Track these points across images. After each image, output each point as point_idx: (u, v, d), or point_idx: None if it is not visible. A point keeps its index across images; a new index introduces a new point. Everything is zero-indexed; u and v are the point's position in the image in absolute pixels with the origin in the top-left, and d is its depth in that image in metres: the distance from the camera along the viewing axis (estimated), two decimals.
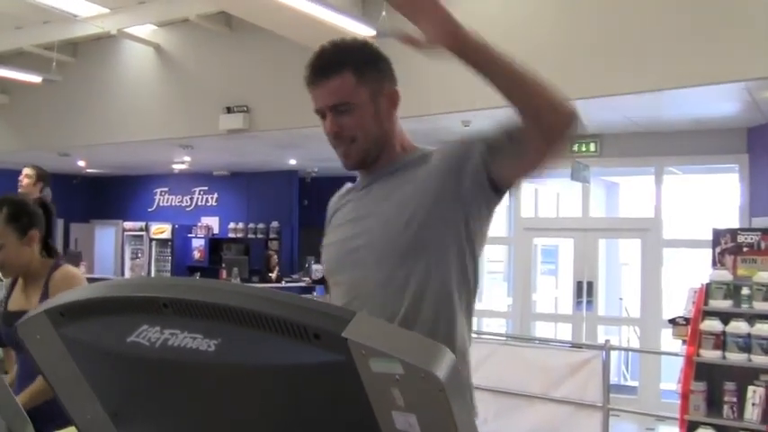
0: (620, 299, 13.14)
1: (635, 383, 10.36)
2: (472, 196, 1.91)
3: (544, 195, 12.38)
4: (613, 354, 8.65)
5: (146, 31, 10.42)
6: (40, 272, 3.08)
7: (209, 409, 1.14)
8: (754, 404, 5.44)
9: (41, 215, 3.16)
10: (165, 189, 16.92)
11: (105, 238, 17.36)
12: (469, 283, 1.98)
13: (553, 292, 13.19)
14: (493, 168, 1.87)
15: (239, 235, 15.53)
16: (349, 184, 2.19)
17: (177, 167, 15.16)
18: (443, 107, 8.10)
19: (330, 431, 1.07)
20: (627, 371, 12.01)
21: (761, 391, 5.43)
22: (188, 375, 1.10)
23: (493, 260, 12.76)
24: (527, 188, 10.87)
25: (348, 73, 1.93)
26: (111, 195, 17.51)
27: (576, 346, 8.92)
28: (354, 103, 1.94)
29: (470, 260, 1.97)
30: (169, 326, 1.08)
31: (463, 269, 1.96)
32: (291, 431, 1.09)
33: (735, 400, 5.55)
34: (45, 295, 2.98)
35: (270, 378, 1.04)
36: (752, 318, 5.64)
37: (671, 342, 6.50)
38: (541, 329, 11.07)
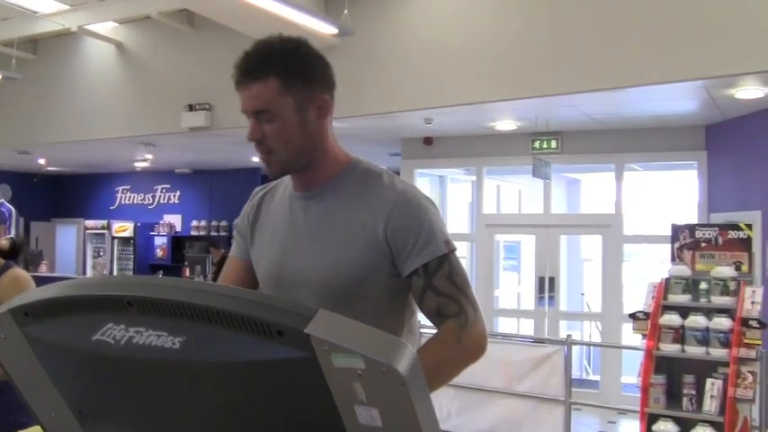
0: (582, 294, 13.27)
1: (597, 378, 10.46)
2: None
3: (506, 192, 12.46)
4: (575, 348, 8.74)
5: (107, 28, 10.29)
6: None
7: (174, 406, 1.15)
8: (712, 396, 5.51)
9: None
10: (127, 187, 16.76)
11: (67, 237, 17.14)
12: (404, 327, 1.98)
13: (515, 288, 13.29)
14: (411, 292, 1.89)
15: (202, 233, 15.42)
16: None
17: (139, 165, 15.02)
18: (406, 104, 8.11)
19: (294, 425, 1.08)
20: (589, 365, 12.11)
21: (719, 383, 5.50)
22: (153, 373, 1.11)
23: None
24: (489, 185, 10.94)
25: (273, 80, 1.81)
26: (72, 194, 17.30)
27: (538, 341, 9.01)
28: (276, 112, 1.82)
29: (402, 304, 1.94)
30: (134, 324, 1.09)
31: (397, 314, 1.95)
32: (256, 426, 1.10)
33: (694, 392, 5.62)
34: None
35: (234, 374, 1.06)
36: (710, 312, 5.72)
37: (632, 336, 6.58)
38: (504, 325, 11.15)
